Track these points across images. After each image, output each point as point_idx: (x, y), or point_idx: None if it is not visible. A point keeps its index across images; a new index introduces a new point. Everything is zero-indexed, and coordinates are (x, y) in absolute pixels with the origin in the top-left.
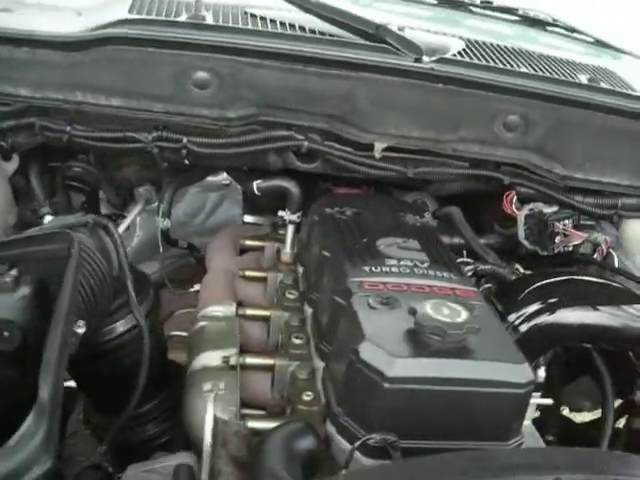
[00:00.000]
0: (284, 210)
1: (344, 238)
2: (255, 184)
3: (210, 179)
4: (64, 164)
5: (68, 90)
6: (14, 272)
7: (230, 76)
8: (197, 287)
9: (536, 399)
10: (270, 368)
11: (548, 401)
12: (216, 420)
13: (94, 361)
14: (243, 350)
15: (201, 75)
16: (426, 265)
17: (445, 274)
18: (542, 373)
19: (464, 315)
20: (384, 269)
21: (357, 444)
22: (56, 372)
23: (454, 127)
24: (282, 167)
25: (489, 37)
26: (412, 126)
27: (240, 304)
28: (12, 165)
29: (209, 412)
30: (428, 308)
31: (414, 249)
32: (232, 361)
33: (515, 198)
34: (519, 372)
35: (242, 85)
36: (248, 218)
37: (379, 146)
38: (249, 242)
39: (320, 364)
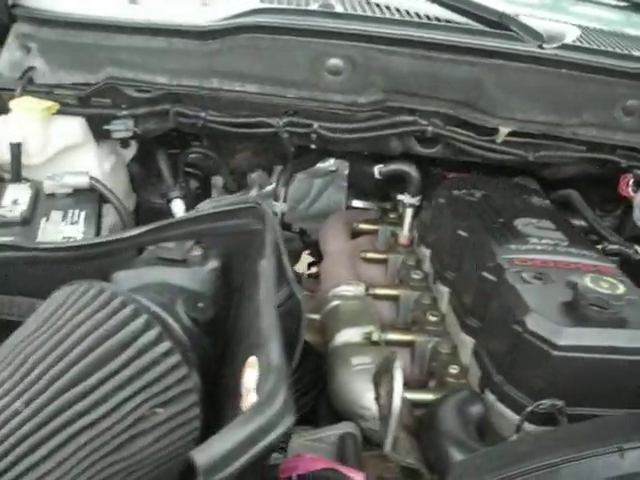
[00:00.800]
0: (402, 193)
1: (481, 218)
2: (377, 168)
3: (317, 165)
4: (185, 150)
5: (204, 77)
6: (202, 246)
7: (363, 63)
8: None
9: None
10: (410, 344)
11: None
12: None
13: None
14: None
15: (335, 62)
16: (566, 244)
17: (585, 252)
18: None
19: (622, 288)
20: (529, 247)
21: (529, 409)
22: (279, 336)
23: (576, 111)
24: (402, 151)
25: (598, 23)
26: (536, 110)
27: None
28: (130, 152)
29: (398, 381)
30: (588, 281)
31: (550, 229)
32: (374, 337)
33: (632, 181)
34: None
35: (373, 71)
36: (356, 203)
37: (504, 130)
38: (362, 226)
39: (466, 338)
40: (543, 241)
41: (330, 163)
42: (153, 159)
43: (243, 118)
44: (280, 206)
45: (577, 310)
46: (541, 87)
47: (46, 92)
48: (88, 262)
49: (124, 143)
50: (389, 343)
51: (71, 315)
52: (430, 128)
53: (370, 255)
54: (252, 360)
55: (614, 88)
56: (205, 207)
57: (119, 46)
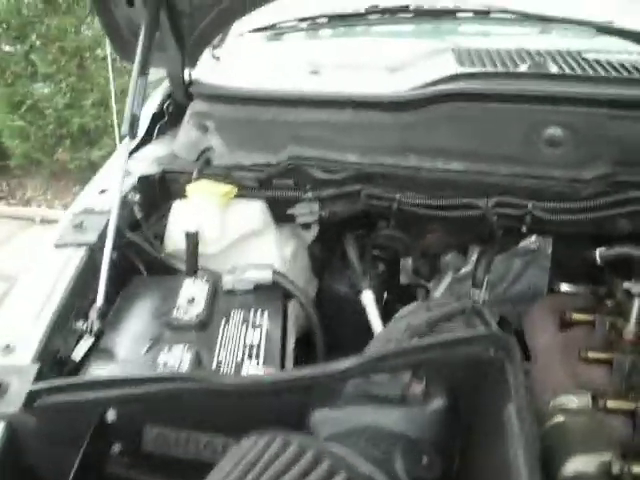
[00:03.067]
0: (626, 279)
1: None
2: (598, 251)
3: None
4: (374, 232)
5: (400, 154)
6: (422, 379)
7: (587, 131)
8: None
9: None
10: None
11: None
12: None
13: None
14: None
15: (553, 131)
16: None
17: None
18: None
19: None
20: None
21: None
22: None
23: None
24: (630, 232)
25: None
26: None
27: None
28: (311, 234)
29: None
30: None
31: None
32: (614, 469)
33: None
34: None
35: (600, 141)
36: (565, 287)
37: None
38: (577, 315)
39: None
40: None
41: (531, 241)
42: (337, 240)
43: (444, 200)
44: (481, 294)
45: None
46: None
47: (224, 175)
48: (280, 397)
49: (306, 225)
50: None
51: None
52: None
53: (592, 355)
54: None
55: None
56: (407, 312)
57: (302, 121)
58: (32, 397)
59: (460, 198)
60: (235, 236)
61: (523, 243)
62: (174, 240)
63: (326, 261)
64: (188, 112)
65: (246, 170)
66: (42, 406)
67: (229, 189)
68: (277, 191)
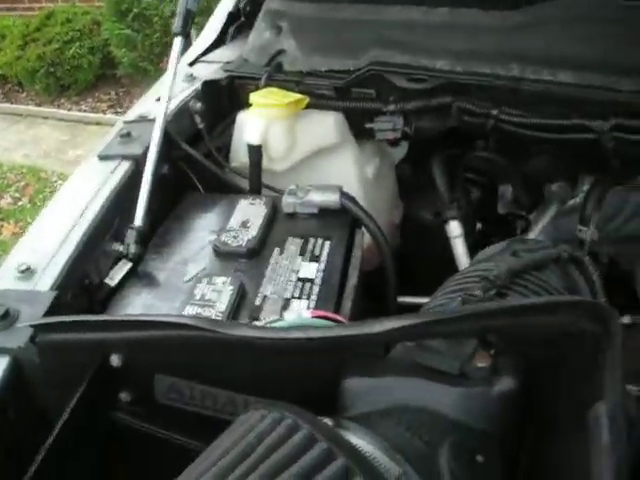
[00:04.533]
0: None
1: None
2: None
3: None
4: (467, 153)
5: (500, 62)
6: (490, 351)
7: None
8: None
9: None
10: None
11: None
12: None
13: None
14: None
15: None
16: None
17: None
18: None
19: None
20: None
21: None
22: None
23: None
24: None
25: None
26: None
27: None
28: (400, 152)
29: None
30: None
31: None
32: None
33: None
34: None
35: None
36: None
37: None
38: None
39: None
40: None
41: None
42: (427, 162)
43: (552, 119)
44: (589, 232)
45: None
46: None
47: (296, 82)
48: (307, 357)
49: (393, 142)
50: None
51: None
52: None
53: None
54: None
55: None
56: (492, 253)
57: (389, 21)
58: (39, 331)
59: (572, 118)
60: (306, 151)
61: None
62: (239, 155)
63: (415, 184)
64: (262, 10)
65: (321, 77)
66: (42, 342)
67: (300, 98)
68: (356, 102)
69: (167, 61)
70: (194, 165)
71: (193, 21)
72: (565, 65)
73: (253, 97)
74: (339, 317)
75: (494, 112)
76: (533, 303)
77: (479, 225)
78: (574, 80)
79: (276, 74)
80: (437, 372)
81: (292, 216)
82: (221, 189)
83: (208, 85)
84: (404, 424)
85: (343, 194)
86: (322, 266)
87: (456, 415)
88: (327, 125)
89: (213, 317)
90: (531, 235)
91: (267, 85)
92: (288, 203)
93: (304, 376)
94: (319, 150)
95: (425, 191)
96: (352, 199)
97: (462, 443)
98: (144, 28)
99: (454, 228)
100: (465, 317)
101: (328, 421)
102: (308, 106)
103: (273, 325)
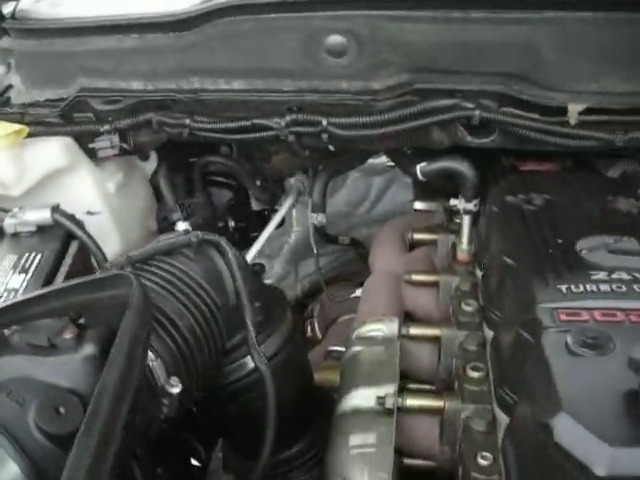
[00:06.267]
0: (457, 197)
1: (531, 239)
2: (418, 168)
3: (373, 161)
4: (201, 159)
5: (182, 77)
6: (78, 325)
7: (370, 37)
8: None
9: None
10: (439, 411)
11: None
12: None
13: (223, 403)
14: (404, 386)
15: (335, 39)
16: None
17: None
18: None
19: None
20: (588, 287)
21: None
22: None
23: None
24: (450, 144)
25: None
26: (616, 77)
27: (408, 318)
28: (151, 165)
29: None
30: None
31: (633, 252)
32: (388, 404)
33: None
34: None
35: (386, 47)
36: (419, 205)
37: (574, 108)
38: (419, 235)
39: (501, 416)
40: (614, 275)
41: (383, 160)
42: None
43: (234, 122)
44: (317, 217)
45: None
46: (619, 44)
47: (21, 113)
48: None
49: (143, 156)
50: (410, 410)
51: None
52: (477, 112)
53: (416, 277)
54: None
55: None
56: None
57: (93, 51)
58: None
59: (252, 119)
60: (39, 175)
61: (379, 160)
62: None
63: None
64: None
65: (42, 106)
66: None
67: (20, 128)
68: (78, 126)
69: None
70: None
71: None
72: (236, 75)
73: None
74: None
75: (187, 122)
76: (92, 279)
77: (232, 222)
78: (245, 86)
79: (2, 108)
80: (34, 346)
81: (15, 235)
82: None
83: None
84: (8, 392)
85: (56, 211)
86: (28, 277)
87: (50, 379)
88: (53, 150)
89: None
90: (272, 225)
91: None
92: (9, 224)
93: None
94: (54, 172)
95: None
96: (64, 213)
97: (47, 402)
98: None
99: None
100: (49, 295)
101: None
102: (36, 134)
103: None
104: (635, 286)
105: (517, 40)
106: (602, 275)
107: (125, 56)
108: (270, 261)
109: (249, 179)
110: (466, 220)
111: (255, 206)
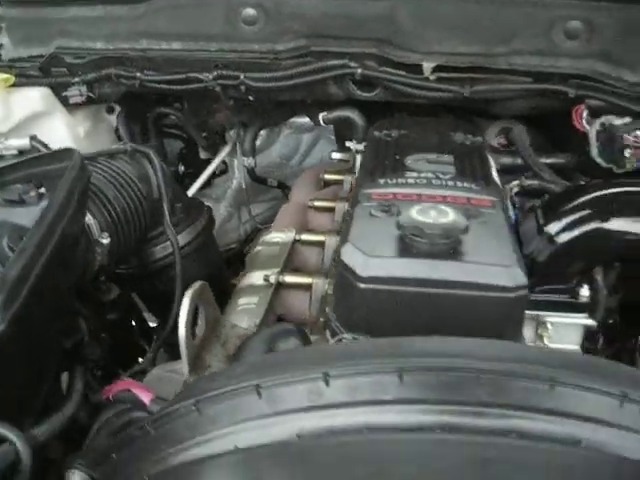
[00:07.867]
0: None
1: (379, 157)
2: (321, 116)
3: (300, 120)
4: (154, 110)
5: (134, 39)
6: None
7: (275, 9)
8: None
9: (580, 319)
10: (308, 287)
11: (591, 322)
12: (224, 323)
13: (149, 280)
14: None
15: (248, 12)
16: (448, 177)
17: (466, 184)
18: (585, 292)
19: (451, 217)
20: (399, 181)
21: (332, 341)
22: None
23: (505, 39)
24: (344, 97)
25: None
26: (456, 41)
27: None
28: (113, 116)
29: (185, 306)
30: (414, 211)
31: (444, 163)
32: (271, 279)
33: (586, 112)
34: (507, 275)
35: (287, 17)
36: (335, 155)
37: (427, 66)
38: (328, 176)
39: None
40: (422, 175)
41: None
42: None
43: (173, 75)
44: (248, 160)
45: (402, 242)
46: (461, 15)
47: (9, 66)
48: None
49: (109, 108)
50: (288, 285)
51: None
52: (359, 70)
53: (317, 203)
54: None
55: (551, 10)
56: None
57: (68, 18)
58: None
59: (187, 73)
60: (22, 115)
61: (305, 119)
62: None
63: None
64: None
65: (26, 61)
66: None
67: (6, 77)
68: (53, 78)
69: None
70: None
71: None
72: (174, 38)
73: None
74: None
75: (138, 74)
76: (40, 155)
77: (182, 168)
78: (181, 47)
79: None
80: (9, 201)
81: (1, 157)
82: None
83: None
84: None
85: (34, 139)
86: None
87: (23, 222)
88: (34, 96)
89: None
90: (210, 169)
91: None
92: None
93: None
94: (34, 115)
95: None
96: (41, 142)
97: (17, 232)
98: None
99: None
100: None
101: None
102: (20, 84)
103: None
104: (433, 181)
105: (381, 12)
106: (413, 174)
107: (92, 22)
108: (216, 204)
109: (196, 131)
110: (358, 159)
111: (203, 155)
